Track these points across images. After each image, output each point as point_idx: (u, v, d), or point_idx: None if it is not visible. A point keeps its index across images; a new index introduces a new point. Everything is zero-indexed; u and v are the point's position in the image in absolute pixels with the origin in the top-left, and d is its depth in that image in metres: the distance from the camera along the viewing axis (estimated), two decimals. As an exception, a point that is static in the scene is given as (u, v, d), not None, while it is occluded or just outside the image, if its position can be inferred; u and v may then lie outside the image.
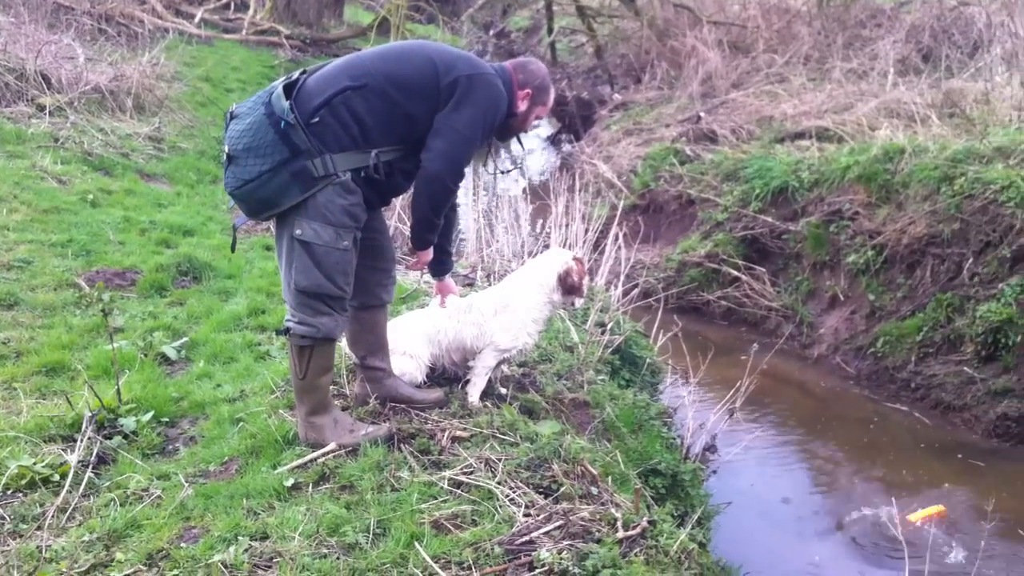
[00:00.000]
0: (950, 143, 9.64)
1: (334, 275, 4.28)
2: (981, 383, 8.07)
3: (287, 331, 4.41)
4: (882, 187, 9.69)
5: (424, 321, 5.18)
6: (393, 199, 4.86)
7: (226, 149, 4.21)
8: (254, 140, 4.10)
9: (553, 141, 19.37)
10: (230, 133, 4.19)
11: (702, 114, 13.71)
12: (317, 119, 4.10)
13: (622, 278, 7.14)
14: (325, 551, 3.73)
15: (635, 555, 3.77)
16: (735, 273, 10.41)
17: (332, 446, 4.50)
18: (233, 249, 4.80)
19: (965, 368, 8.25)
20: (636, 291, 7.08)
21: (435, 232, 4.56)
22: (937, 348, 8.58)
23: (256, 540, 3.82)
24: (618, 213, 8.15)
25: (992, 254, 8.49)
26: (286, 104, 4.07)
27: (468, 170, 4.52)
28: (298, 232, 4.19)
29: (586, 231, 7.98)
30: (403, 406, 4.94)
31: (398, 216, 8.50)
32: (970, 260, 8.64)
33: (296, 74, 4.27)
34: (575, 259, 5.02)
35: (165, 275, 7.36)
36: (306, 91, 4.17)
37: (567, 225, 8.06)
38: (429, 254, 4.69)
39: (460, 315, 5.07)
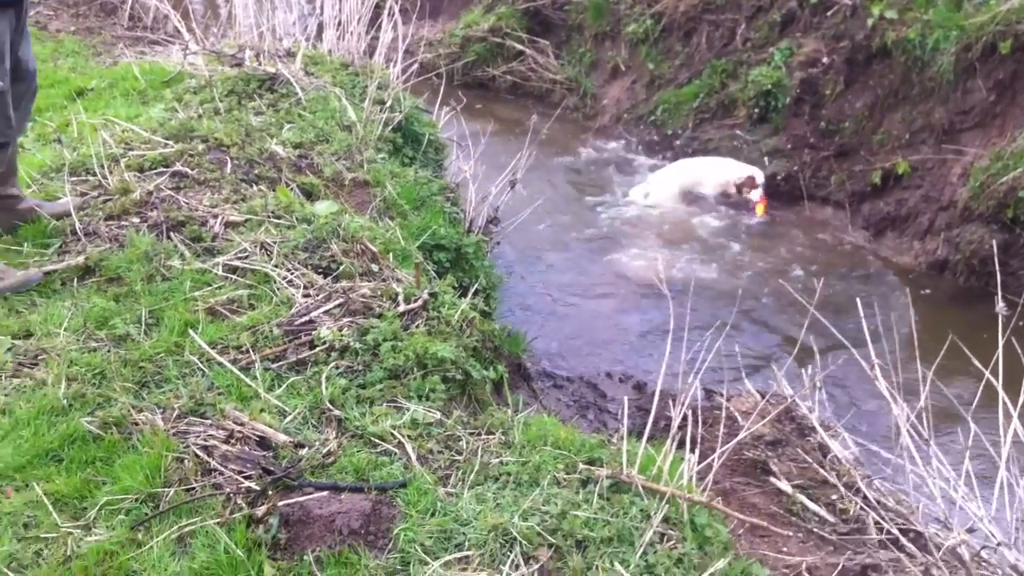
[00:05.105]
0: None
1: None
2: (753, 145, 8.42)
3: None
4: (658, -46, 9.64)
5: None
6: None
7: None
8: None
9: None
10: None
11: None
12: None
13: (400, 54, 6.90)
14: (94, 344, 3.60)
15: (416, 327, 3.82)
16: (519, 47, 10.29)
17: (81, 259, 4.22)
18: None
19: (738, 131, 8.58)
20: (415, 67, 6.85)
21: None
22: (712, 113, 8.85)
23: (19, 339, 3.65)
24: (394, -14, 7.78)
25: (763, 19, 8.70)
26: None
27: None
28: None
29: (362, 4, 7.61)
30: None
31: None
32: (743, 26, 8.83)
33: None
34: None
35: None
36: None
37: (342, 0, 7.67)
38: None
39: None
